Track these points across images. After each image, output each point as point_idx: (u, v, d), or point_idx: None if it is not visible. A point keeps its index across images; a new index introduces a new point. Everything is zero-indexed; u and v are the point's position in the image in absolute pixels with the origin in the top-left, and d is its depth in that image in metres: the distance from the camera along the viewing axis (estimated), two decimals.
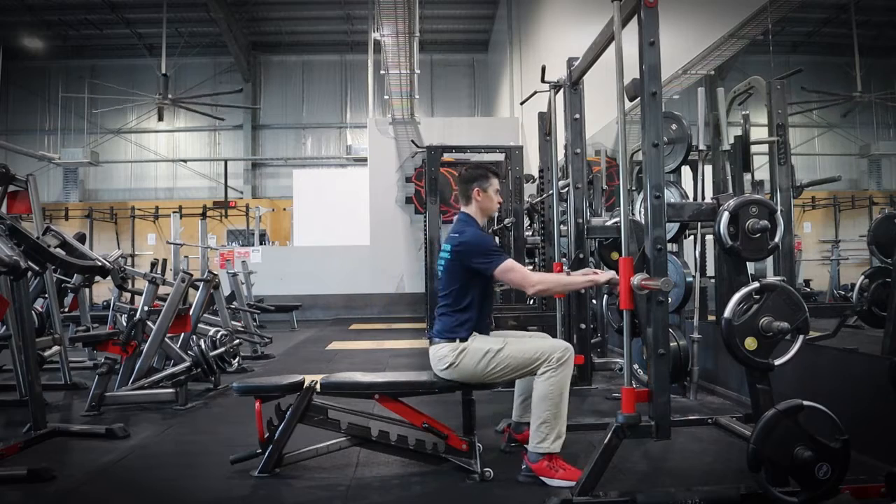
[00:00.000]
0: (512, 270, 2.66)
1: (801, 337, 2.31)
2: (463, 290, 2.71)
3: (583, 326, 4.23)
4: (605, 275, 2.74)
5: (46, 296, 4.75)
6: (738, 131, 4.01)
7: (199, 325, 5.22)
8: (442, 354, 2.66)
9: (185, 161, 16.88)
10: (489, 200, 2.83)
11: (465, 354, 2.62)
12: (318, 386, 2.71)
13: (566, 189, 4.17)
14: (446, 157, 7.86)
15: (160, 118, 14.29)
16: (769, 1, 3.97)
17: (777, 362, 2.31)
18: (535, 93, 4.49)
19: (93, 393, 3.80)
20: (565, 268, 3.58)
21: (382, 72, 9.32)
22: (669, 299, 2.47)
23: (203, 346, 4.29)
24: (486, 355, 2.60)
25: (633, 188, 4.25)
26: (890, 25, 3.92)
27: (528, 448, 2.56)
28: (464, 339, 2.65)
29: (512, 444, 2.89)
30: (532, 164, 7.87)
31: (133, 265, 14.06)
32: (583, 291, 4.22)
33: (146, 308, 4.33)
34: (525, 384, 2.83)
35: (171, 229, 7.25)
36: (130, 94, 14.13)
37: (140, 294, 4.61)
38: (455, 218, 2.89)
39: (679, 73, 5.17)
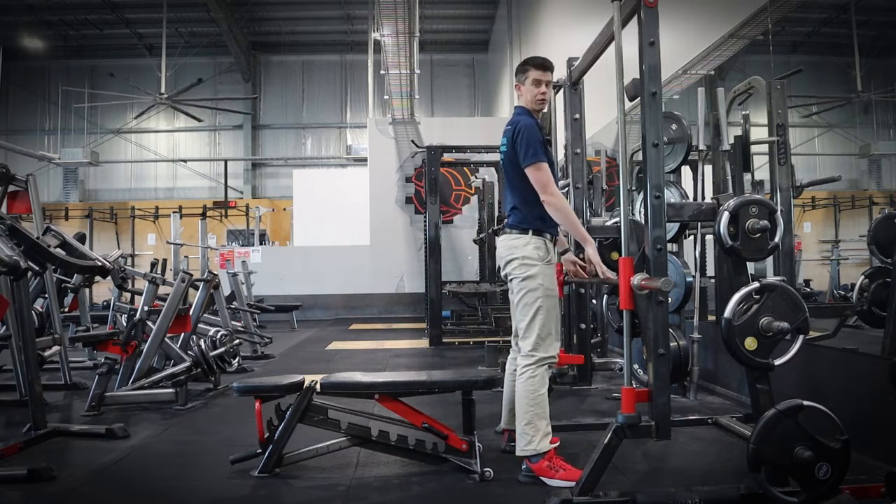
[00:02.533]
0: (540, 170, 2.65)
1: (801, 337, 2.32)
2: (528, 181, 2.70)
3: (583, 326, 4.23)
4: (607, 271, 2.75)
5: (46, 296, 4.75)
6: (738, 131, 4.01)
7: (199, 325, 5.22)
8: (513, 245, 2.69)
9: (185, 161, 16.88)
10: (529, 92, 2.83)
11: (533, 267, 2.63)
12: (318, 386, 2.71)
13: (566, 189, 4.17)
14: (446, 157, 7.85)
15: (197, 120, 14.33)
16: (769, 1, 3.97)
17: (777, 362, 2.31)
18: None
19: (93, 393, 3.80)
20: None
21: (382, 72, 9.32)
22: (669, 299, 2.47)
23: (203, 346, 4.29)
24: (532, 280, 2.61)
25: (633, 188, 4.25)
26: (890, 25, 3.92)
27: (517, 451, 2.57)
28: (537, 233, 2.68)
29: (511, 443, 2.89)
30: None
31: (133, 265, 14.07)
32: (584, 290, 4.22)
33: (146, 308, 4.33)
34: (511, 394, 2.84)
35: (171, 229, 7.26)
36: (130, 94, 14.13)
37: (140, 294, 4.61)
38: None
39: (679, 73, 5.17)
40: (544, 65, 2.83)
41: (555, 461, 2.52)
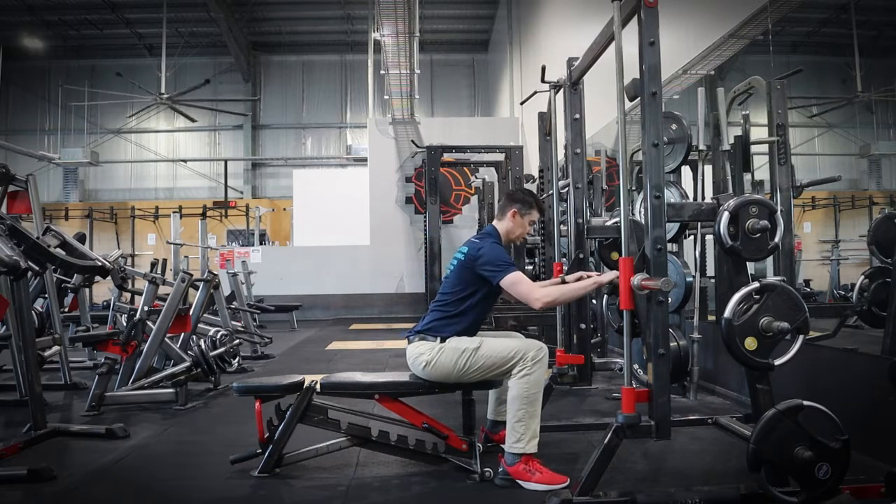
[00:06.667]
0: (519, 283, 2.67)
1: (801, 337, 2.31)
2: (466, 296, 2.72)
3: (583, 326, 4.22)
4: (607, 275, 2.73)
5: (46, 296, 4.75)
6: (738, 131, 4.01)
7: (199, 325, 5.22)
8: (419, 352, 2.67)
9: (185, 161, 16.88)
10: (520, 226, 2.89)
11: (442, 353, 2.62)
12: (318, 386, 2.71)
13: (566, 189, 4.16)
14: (446, 157, 7.86)
15: (191, 120, 14.30)
16: (769, 1, 3.98)
17: (777, 362, 2.31)
18: (535, 93, 4.49)
19: (93, 393, 3.80)
20: (564, 268, 3.58)
21: (382, 72, 9.32)
22: (669, 299, 2.47)
23: (203, 346, 4.29)
24: (462, 354, 2.60)
25: (633, 188, 4.25)
26: (890, 25, 3.92)
27: (504, 448, 2.55)
28: (444, 339, 2.66)
29: (488, 444, 2.88)
30: (532, 164, 7.87)
31: (133, 265, 14.07)
32: None
33: (146, 308, 4.32)
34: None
35: (171, 229, 7.25)
36: (130, 94, 14.13)
37: (140, 294, 4.61)
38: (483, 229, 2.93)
39: (679, 73, 5.17)
40: (543, 210, 3.03)
41: (531, 464, 2.49)
